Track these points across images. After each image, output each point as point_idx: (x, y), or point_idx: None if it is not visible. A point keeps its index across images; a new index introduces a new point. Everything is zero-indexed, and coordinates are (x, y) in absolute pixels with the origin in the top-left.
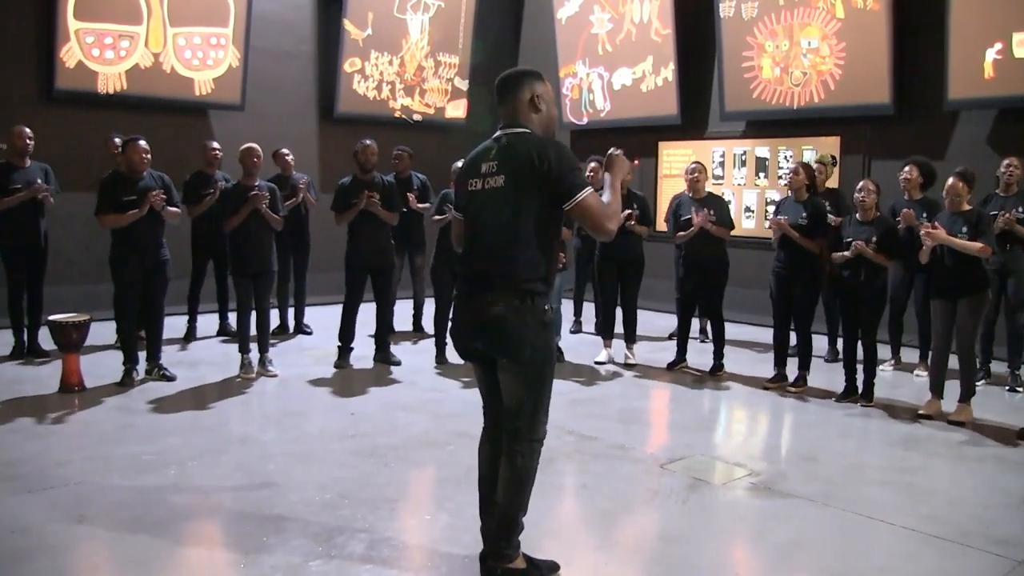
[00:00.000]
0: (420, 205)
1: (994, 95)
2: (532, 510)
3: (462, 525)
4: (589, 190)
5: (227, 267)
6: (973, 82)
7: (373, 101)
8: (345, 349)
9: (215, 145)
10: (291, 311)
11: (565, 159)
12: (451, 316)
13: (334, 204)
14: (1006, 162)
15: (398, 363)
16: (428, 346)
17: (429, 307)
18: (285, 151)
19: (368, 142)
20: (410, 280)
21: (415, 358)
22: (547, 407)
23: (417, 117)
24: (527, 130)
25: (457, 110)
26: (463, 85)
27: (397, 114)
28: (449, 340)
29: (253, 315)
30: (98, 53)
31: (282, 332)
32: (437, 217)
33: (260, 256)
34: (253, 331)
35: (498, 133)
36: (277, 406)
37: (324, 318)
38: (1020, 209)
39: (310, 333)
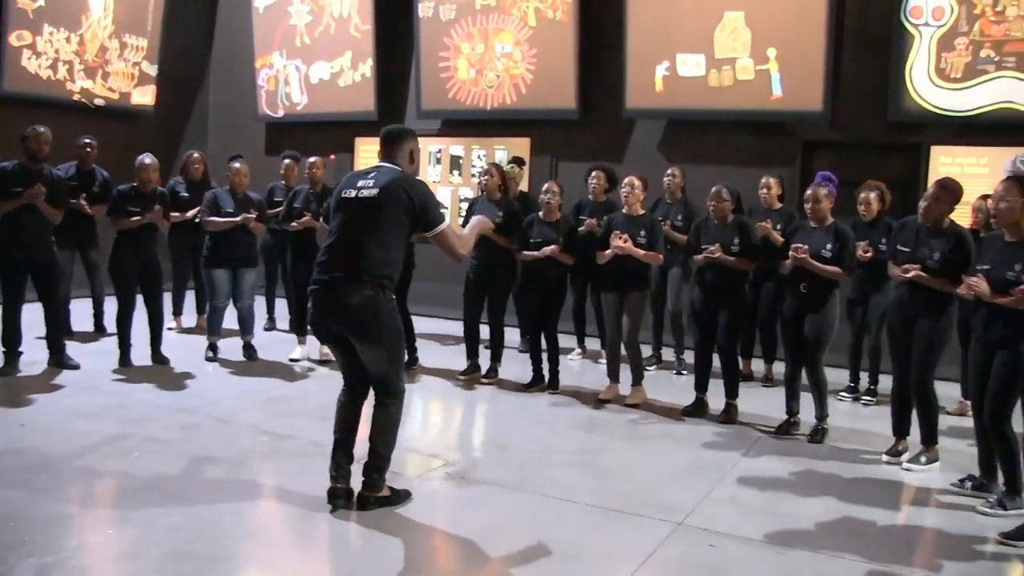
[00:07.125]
0: (93, 208)
1: (663, 107)
2: (229, 513)
3: (150, 536)
4: (446, 223)
5: None
6: (647, 94)
7: (47, 81)
8: (11, 354)
9: None
10: None
11: (429, 197)
12: (310, 304)
13: None
14: (669, 171)
15: (76, 367)
16: (111, 347)
17: (111, 306)
18: None
19: (42, 129)
20: (86, 278)
21: (96, 361)
22: (403, 365)
23: (99, 101)
24: (400, 169)
25: (145, 96)
26: (152, 70)
27: (76, 97)
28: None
29: None
30: None
31: None
32: (123, 219)
33: None
34: None
35: (379, 163)
36: None
37: None
38: (680, 217)
39: None
